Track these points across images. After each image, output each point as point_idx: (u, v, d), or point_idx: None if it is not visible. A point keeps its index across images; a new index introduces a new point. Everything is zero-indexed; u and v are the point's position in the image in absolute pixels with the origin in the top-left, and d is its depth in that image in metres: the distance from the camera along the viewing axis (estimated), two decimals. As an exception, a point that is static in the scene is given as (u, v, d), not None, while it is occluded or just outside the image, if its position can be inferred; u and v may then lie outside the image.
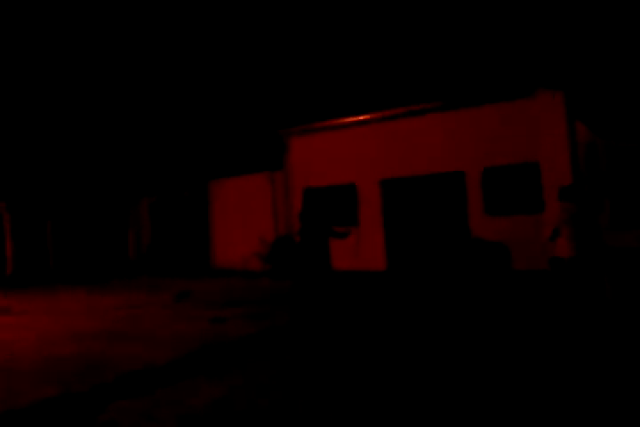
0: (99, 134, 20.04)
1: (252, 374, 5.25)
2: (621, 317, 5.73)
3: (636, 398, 4.15)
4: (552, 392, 4.37)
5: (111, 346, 6.87)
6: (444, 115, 13.22)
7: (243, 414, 4.26)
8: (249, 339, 6.94)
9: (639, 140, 12.66)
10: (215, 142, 18.45)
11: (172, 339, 7.11)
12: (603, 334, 6.02)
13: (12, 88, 20.13)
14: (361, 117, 14.26)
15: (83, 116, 19.89)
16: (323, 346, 6.33)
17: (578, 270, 5.36)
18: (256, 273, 14.95)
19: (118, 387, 5.12)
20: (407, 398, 4.41)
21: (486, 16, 14.94)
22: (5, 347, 7.14)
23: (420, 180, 13.52)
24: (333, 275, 8.23)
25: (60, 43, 20.29)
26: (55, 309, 10.30)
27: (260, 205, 15.97)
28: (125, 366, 5.80)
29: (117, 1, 20.05)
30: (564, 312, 6.61)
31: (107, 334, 7.59)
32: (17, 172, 20.59)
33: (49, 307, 10.65)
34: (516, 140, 12.25)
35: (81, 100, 19.57)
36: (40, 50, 20.43)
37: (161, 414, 4.33)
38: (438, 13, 15.74)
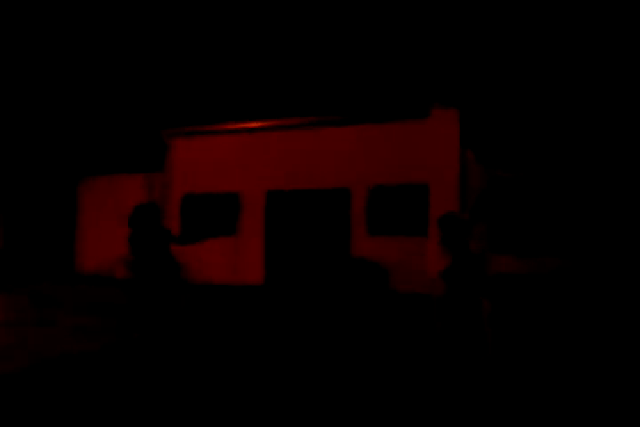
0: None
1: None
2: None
3: None
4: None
5: None
6: (339, 130, 12.92)
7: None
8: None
9: (518, 170, 13.00)
10: (91, 137, 17.03)
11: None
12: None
13: None
14: (253, 124, 13.65)
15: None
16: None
17: (450, 288, 5.19)
18: (122, 281, 13.77)
19: None
20: None
21: (385, 32, 14.95)
22: None
23: (307, 194, 13.07)
24: (183, 287, 7.43)
25: None
26: None
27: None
28: None
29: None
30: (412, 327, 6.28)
31: None
32: None
33: None
34: (409, 161, 12.14)
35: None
36: None
37: None
38: (339, 26, 15.56)
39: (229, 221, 13.65)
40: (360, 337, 7.17)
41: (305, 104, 14.09)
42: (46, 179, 16.51)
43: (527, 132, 13.14)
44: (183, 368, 5.53)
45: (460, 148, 11.82)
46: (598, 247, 11.18)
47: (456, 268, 5.10)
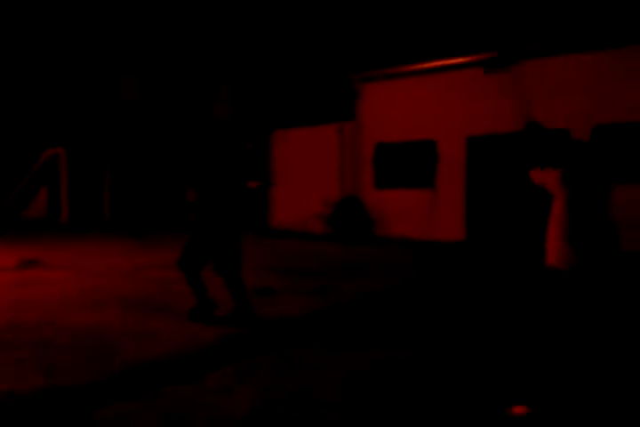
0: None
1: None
2: None
3: None
4: None
5: (144, 318, 5.53)
6: (560, 60, 11.02)
7: None
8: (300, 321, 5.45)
9: None
10: (276, 88, 16.67)
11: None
12: None
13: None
14: (448, 62, 12.17)
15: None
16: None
17: None
18: (316, 236, 13.42)
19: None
20: None
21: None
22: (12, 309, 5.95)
23: (513, 137, 11.44)
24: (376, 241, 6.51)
25: None
26: (91, 265, 9.17)
27: (326, 161, 14.25)
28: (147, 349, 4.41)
29: None
30: None
31: (140, 301, 6.28)
32: (76, 118, 19.73)
33: (85, 262, 9.54)
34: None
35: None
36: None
37: None
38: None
39: (426, 171, 12.52)
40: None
41: (506, 35, 12.18)
42: (244, 134, 16.64)
43: None
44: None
45: None
46: None
47: None
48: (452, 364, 4.15)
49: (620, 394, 3.55)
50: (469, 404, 3.39)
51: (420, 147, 12.67)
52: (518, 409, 3.21)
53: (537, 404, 3.30)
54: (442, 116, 12.31)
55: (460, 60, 12.00)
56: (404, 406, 3.39)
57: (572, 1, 11.45)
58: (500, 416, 3.19)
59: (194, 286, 5.51)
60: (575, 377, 3.78)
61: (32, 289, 7.11)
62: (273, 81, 16.89)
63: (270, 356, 4.37)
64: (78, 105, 19.75)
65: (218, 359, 4.31)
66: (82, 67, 19.48)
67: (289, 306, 6.19)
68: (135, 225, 17.42)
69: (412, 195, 12.66)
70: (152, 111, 18.15)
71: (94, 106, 19.37)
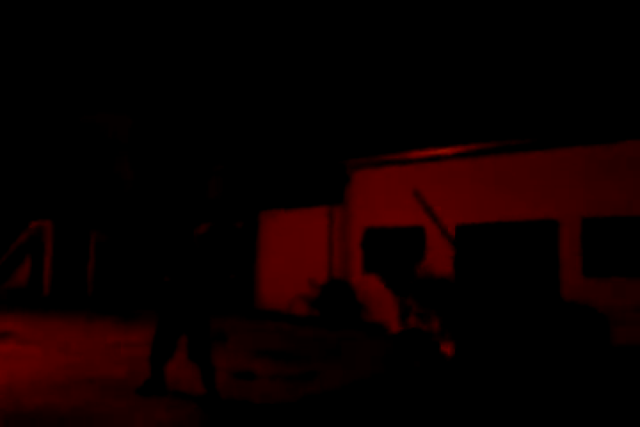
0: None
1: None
2: None
3: None
4: None
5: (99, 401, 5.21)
6: (538, 154, 11.35)
7: None
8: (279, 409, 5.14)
9: None
10: (268, 170, 16.96)
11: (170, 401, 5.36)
12: None
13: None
14: (439, 151, 12.50)
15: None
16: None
17: None
18: (301, 318, 13.10)
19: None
20: None
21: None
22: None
23: (503, 227, 11.53)
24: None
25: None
26: (65, 341, 8.82)
27: (314, 243, 14.21)
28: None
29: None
30: None
31: (110, 381, 5.97)
32: (65, 192, 19.83)
33: (60, 338, 9.20)
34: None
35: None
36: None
37: None
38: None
39: (414, 256, 12.47)
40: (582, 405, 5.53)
41: (498, 127, 12.63)
42: (232, 213, 16.68)
43: None
44: None
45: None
46: None
47: None
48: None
49: None
50: None
51: (408, 233, 12.71)
52: None
53: None
54: (431, 203, 12.46)
55: (449, 150, 12.33)
56: None
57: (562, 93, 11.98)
58: None
59: (155, 371, 5.54)
60: None
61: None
62: (264, 162, 17.23)
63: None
64: (68, 179, 19.94)
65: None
66: (75, 142, 19.87)
67: (266, 392, 5.89)
68: (117, 301, 17.02)
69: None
70: (144, 190, 18.31)
71: (84, 181, 19.56)
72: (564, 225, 10.81)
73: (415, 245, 12.53)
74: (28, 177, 21.16)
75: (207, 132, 18.51)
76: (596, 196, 10.57)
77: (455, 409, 5.42)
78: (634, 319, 9.65)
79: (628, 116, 10.63)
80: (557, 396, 6.10)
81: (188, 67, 19.59)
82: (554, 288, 10.70)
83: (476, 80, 13.95)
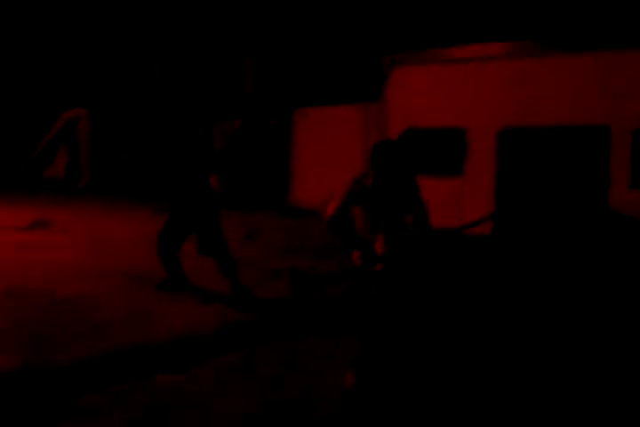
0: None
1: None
2: None
3: None
4: None
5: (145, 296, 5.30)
6: (598, 55, 10.44)
7: None
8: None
9: None
10: (302, 65, 16.16)
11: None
12: None
13: None
14: (483, 49, 11.60)
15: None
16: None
17: None
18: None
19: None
20: None
21: None
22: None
23: (549, 132, 10.92)
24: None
25: None
26: (102, 230, 8.97)
27: (349, 142, 13.83)
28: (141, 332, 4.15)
29: None
30: None
31: (147, 274, 6.04)
32: (100, 81, 19.50)
33: (97, 227, 9.35)
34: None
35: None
36: None
37: None
38: None
39: (454, 159, 12.07)
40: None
41: (554, 24, 11.61)
42: (266, 110, 16.23)
43: None
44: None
45: None
46: None
47: None
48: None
49: None
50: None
51: (448, 134, 12.21)
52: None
53: None
54: (475, 104, 11.83)
55: (500, 47, 11.45)
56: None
57: None
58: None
59: (169, 266, 5.52)
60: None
61: (37, 253, 6.94)
62: (298, 58, 16.41)
63: (272, 346, 4.11)
64: (103, 69, 19.54)
65: (215, 348, 4.06)
66: (110, 34, 19.23)
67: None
68: (152, 191, 17.22)
69: (439, 183, 12.25)
70: (174, 83, 17.85)
71: (118, 72, 19.14)
72: (615, 133, 10.19)
73: (456, 147, 12.08)
74: (64, 64, 20.82)
75: (238, 25, 17.58)
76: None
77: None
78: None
79: None
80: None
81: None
82: (602, 199, 10.30)
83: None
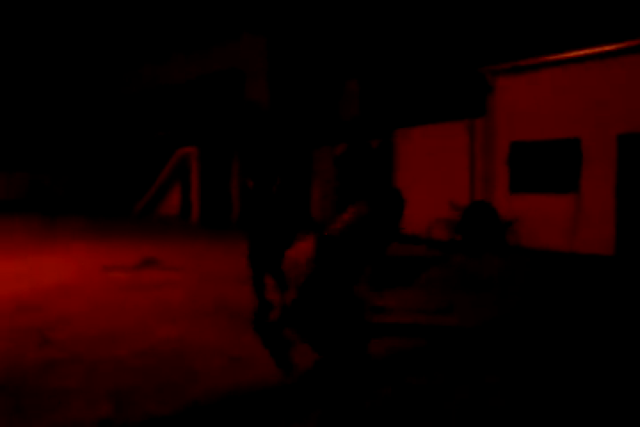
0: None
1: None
2: None
3: None
4: None
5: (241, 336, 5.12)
6: None
7: None
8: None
9: None
10: (402, 83, 15.75)
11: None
12: None
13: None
14: (599, 49, 10.71)
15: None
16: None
17: None
18: (442, 243, 12.47)
19: None
20: None
21: None
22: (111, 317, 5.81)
23: None
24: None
25: None
26: (209, 268, 9.03)
27: (454, 161, 13.21)
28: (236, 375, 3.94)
29: None
30: None
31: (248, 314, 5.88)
32: (207, 118, 20.24)
33: (204, 264, 9.44)
34: None
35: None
36: None
37: None
38: None
39: (568, 173, 11.14)
40: None
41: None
42: (367, 133, 15.98)
43: None
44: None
45: None
46: None
47: None
48: None
49: None
50: None
51: (561, 146, 11.30)
52: None
53: None
54: (588, 111, 10.89)
55: (610, 47, 10.50)
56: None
57: None
58: None
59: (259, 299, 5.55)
60: None
61: (139, 293, 7.04)
62: (398, 75, 16.05)
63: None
64: (209, 106, 20.31)
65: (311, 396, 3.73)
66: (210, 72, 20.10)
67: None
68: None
69: (551, 200, 11.34)
70: (279, 111, 18.08)
71: (222, 106, 19.78)
72: None
73: (570, 160, 11.14)
74: (174, 104, 21.94)
75: (339, 47, 17.60)
76: None
77: None
78: None
79: None
80: None
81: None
82: None
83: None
